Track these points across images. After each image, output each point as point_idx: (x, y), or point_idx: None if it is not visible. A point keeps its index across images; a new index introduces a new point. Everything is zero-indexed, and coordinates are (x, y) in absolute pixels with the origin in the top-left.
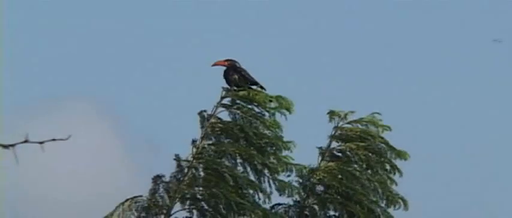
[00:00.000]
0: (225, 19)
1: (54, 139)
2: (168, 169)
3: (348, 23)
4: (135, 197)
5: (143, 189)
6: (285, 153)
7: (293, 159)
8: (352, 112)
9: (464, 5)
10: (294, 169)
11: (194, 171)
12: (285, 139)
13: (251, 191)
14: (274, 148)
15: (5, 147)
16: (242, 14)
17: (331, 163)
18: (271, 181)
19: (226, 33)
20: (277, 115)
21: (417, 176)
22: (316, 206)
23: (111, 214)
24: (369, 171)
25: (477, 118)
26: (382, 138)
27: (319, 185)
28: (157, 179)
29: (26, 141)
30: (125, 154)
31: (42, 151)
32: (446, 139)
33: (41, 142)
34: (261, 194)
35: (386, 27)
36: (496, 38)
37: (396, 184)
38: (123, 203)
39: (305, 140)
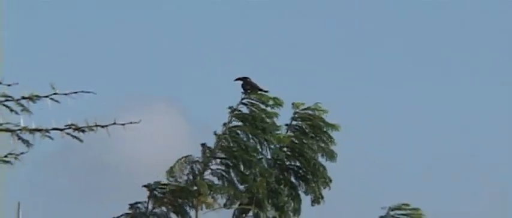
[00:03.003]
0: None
1: (131, 122)
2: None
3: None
4: (187, 155)
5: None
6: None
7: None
8: (303, 103)
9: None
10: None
11: (223, 141)
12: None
13: (255, 154)
14: (270, 128)
15: (102, 127)
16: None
17: (291, 133)
18: (268, 149)
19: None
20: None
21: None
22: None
23: (173, 165)
24: (316, 138)
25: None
26: (322, 118)
27: (284, 147)
28: (203, 145)
29: (114, 123)
30: (187, 138)
31: (124, 130)
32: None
33: (123, 124)
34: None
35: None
36: None
37: (335, 144)
38: (180, 159)
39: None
